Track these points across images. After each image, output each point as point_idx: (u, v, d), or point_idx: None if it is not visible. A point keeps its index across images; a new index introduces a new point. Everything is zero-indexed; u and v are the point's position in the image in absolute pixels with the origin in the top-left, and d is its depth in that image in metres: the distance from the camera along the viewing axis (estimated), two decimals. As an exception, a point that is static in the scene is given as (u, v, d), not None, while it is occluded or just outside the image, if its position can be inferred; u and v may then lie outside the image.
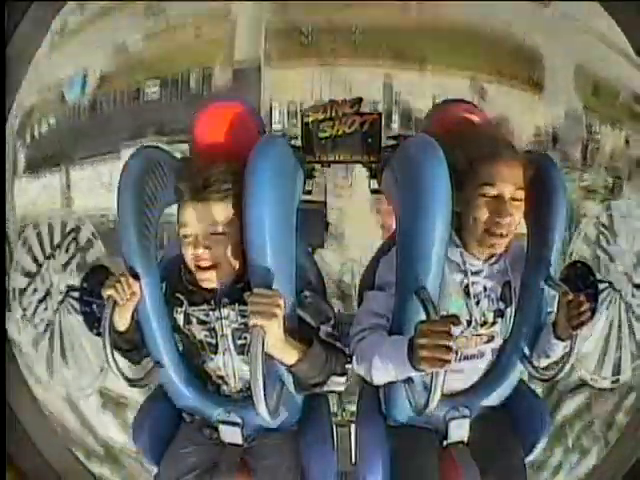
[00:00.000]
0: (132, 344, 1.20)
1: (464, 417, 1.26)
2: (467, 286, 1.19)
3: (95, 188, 2.59)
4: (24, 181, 2.60)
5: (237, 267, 1.14)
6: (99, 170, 2.60)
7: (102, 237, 2.58)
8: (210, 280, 1.14)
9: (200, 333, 1.22)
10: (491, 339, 1.24)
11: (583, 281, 2.54)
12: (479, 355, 1.25)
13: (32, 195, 2.63)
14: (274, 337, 0.99)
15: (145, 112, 2.50)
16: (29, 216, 2.62)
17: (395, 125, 2.49)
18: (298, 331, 1.11)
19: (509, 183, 1.11)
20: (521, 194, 1.13)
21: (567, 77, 2.50)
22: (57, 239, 2.64)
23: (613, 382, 2.57)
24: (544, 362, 1.23)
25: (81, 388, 2.67)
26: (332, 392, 1.33)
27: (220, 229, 1.10)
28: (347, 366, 1.17)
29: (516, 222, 1.14)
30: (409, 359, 0.95)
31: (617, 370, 2.57)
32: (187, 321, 1.22)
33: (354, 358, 1.14)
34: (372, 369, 1.07)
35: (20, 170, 2.61)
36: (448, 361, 0.89)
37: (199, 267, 1.12)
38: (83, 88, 2.63)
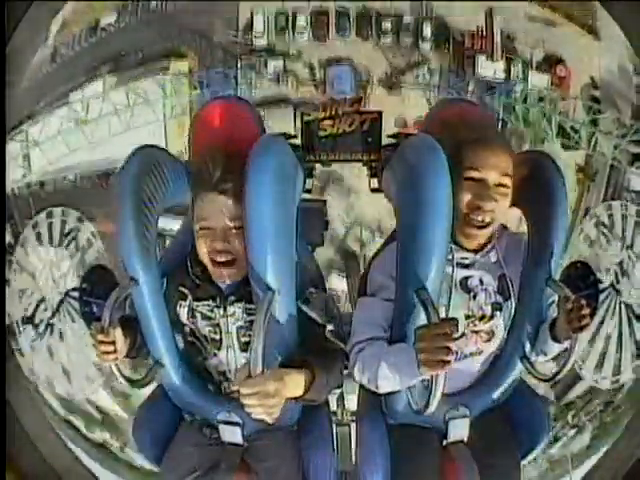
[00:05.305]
0: (137, 354, 1.21)
1: (464, 416, 1.25)
2: (462, 280, 1.17)
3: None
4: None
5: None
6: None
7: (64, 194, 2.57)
8: (224, 276, 1.13)
9: (204, 328, 1.22)
10: (491, 336, 1.23)
11: (583, 281, 2.54)
12: (477, 352, 1.24)
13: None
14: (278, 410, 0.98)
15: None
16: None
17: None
18: (305, 330, 1.12)
19: (494, 169, 1.10)
20: (507, 181, 1.11)
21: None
22: (56, 239, 2.64)
23: (613, 382, 2.58)
24: (540, 359, 1.23)
25: (81, 388, 2.67)
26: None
27: (238, 223, 1.09)
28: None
29: (500, 210, 1.12)
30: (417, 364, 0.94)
31: (617, 370, 2.57)
32: (191, 315, 1.22)
33: (356, 369, 1.12)
34: (378, 378, 1.05)
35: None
36: (448, 362, 0.89)
37: (215, 262, 1.11)
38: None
